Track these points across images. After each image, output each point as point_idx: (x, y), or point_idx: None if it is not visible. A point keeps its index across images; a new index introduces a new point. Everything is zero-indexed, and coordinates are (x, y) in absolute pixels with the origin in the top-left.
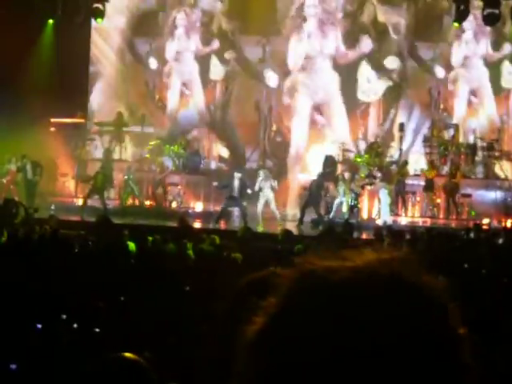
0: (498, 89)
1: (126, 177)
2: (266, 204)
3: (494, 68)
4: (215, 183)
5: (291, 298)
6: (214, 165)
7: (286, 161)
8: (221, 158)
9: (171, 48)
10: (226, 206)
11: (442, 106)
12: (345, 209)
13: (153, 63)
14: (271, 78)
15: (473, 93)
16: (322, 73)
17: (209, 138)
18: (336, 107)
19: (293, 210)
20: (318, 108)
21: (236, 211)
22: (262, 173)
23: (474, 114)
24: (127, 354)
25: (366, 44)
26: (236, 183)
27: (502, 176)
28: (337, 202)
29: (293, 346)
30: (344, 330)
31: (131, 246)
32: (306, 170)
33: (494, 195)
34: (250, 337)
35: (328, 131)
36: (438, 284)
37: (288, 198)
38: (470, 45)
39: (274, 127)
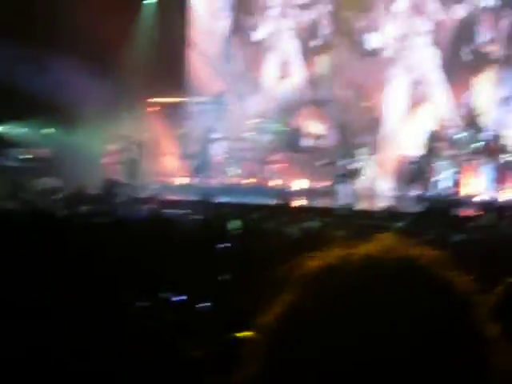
0: None
1: (225, 155)
2: (368, 181)
3: None
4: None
5: (308, 288)
6: (311, 142)
7: (379, 138)
8: (317, 136)
9: (268, 25)
10: (336, 183)
11: None
12: (447, 185)
13: (252, 40)
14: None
15: None
16: (419, 50)
17: (308, 115)
18: (435, 84)
19: (392, 187)
20: (415, 84)
21: (343, 188)
22: (362, 150)
23: None
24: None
25: None
26: (348, 160)
27: None
28: (440, 178)
29: (309, 335)
30: (362, 321)
31: (236, 223)
32: (401, 147)
33: None
34: (268, 325)
35: (427, 108)
36: (467, 281)
37: (385, 176)
38: None
39: (366, 102)
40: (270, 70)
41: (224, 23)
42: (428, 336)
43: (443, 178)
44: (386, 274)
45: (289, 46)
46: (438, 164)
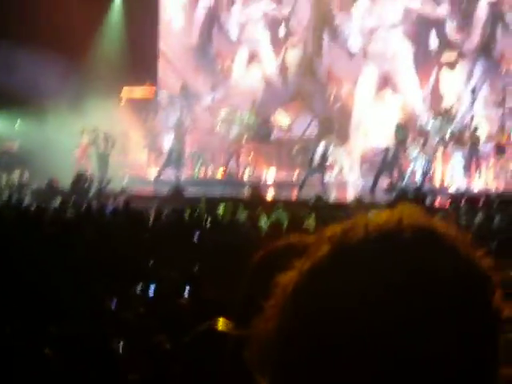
0: None
1: (195, 147)
2: (339, 172)
3: None
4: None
5: (319, 261)
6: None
7: (348, 128)
8: (288, 127)
9: (239, 16)
10: (308, 174)
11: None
12: (418, 174)
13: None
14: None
15: None
16: (389, 41)
17: (279, 107)
18: (405, 75)
19: (360, 178)
20: (385, 76)
21: (315, 179)
22: (334, 141)
23: None
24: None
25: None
26: (320, 150)
27: None
28: (409, 169)
29: (325, 299)
30: (379, 287)
31: (221, 209)
32: (369, 138)
33: None
34: (283, 291)
35: (397, 98)
36: (488, 260)
37: (356, 166)
38: None
39: (338, 93)
40: (240, 61)
41: (196, 15)
42: (450, 307)
43: (414, 167)
44: (409, 240)
45: (260, 38)
46: (409, 153)
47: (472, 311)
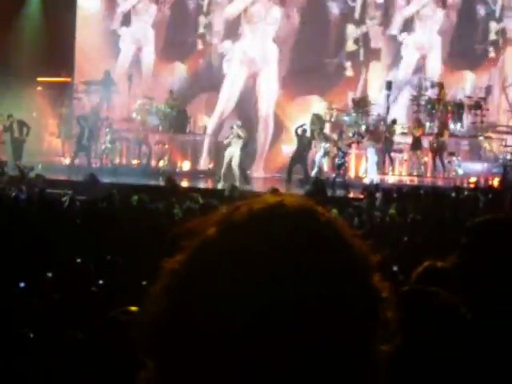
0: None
1: (107, 136)
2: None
3: None
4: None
5: (207, 237)
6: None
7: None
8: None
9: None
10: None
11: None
12: (333, 167)
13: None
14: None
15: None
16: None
17: (197, 100)
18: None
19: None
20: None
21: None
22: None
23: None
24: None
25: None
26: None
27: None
28: (316, 160)
29: (211, 277)
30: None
31: (134, 199)
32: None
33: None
34: (170, 272)
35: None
36: (364, 243)
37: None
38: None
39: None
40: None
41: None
42: (331, 287)
43: (320, 161)
44: (291, 220)
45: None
46: (323, 146)
47: (352, 292)
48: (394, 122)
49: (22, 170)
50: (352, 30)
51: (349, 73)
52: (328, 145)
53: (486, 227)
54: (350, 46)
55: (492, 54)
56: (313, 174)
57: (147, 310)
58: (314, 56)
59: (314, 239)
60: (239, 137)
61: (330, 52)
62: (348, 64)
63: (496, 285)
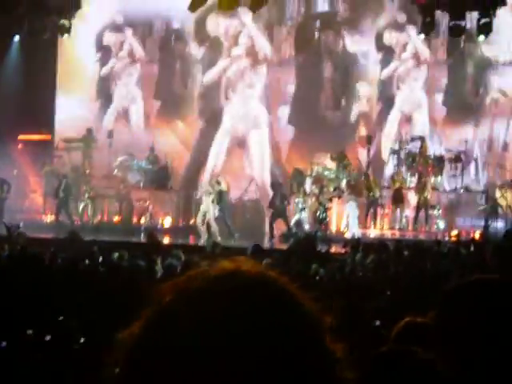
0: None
1: (85, 194)
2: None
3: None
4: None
5: (160, 307)
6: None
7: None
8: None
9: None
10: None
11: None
12: (315, 221)
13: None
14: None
15: None
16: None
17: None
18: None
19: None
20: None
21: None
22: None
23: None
24: None
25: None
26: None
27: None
28: (295, 218)
29: (163, 343)
30: (206, 338)
31: (115, 256)
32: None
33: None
34: (126, 341)
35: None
36: (314, 303)
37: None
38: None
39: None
40: (136, 108)
41: (97, 63)
42: (285, 351)
43: (299, 218)
44: (241, 287)
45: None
46: (300, 201)
47: (307, 354)
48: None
49: (9, 228)
50: (365, 89)
51: (362, 132)
52: (304, 199)
53: (463, 293)
54: (364, 104)
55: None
56: (291, 227)
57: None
58: (314, 110)
59: (267, 306)
60: (210, 192)
61: (329, 105)
62: (361, 123)
63: (474, 344)
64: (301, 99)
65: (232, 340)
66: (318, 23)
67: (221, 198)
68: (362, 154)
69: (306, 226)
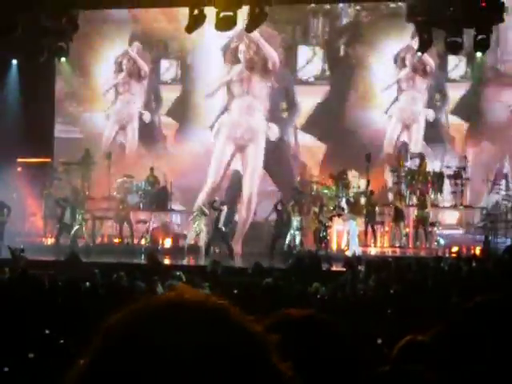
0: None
1: (79, 216)
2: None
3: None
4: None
5: (105, 340)
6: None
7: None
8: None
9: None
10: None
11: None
12: (314, 240)
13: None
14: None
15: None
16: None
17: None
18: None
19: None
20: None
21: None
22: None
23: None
24: None
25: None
26: (223, 214)
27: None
28: (290, 234)
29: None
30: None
31: (116, 278)
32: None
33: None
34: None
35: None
36: (258, 324)
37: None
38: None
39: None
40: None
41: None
42: (230, 374)
43: (293, 235)
44: (187, 315)
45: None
46: (296, 220)
47: (255, 376)
48: (373, 193)
49: (14, 251)
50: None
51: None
52: (300, 218)
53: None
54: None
55: None
56: (285, 247)
57: None
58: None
59: (209, 331)
60: (203, 213)
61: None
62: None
63: (471, 361)
64: (331, 114)
65: (177, 367)
66: (344, 39)
67: (217, 218)
68: (388, 174)
69: (298, 247)
